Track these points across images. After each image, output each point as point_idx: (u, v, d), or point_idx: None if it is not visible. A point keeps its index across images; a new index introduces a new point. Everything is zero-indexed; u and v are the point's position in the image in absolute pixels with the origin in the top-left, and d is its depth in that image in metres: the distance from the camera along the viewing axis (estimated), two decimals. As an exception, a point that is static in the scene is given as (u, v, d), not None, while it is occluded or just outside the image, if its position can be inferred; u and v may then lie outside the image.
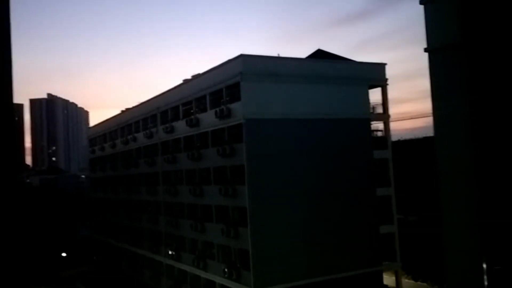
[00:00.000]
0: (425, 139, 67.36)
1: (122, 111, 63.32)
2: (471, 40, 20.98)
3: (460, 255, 21.48)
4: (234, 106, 35.48)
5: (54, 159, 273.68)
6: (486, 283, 20.56)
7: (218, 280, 37.94)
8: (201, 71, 42.38)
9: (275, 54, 37.87)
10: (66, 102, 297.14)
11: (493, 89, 20.69)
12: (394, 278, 42.21)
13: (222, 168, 37.52)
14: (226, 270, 36.02)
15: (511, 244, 19.75)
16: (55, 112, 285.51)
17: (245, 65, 34.64)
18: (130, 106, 60.81)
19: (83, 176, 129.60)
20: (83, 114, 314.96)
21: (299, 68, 37.05)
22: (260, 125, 34.62)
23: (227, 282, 36.54)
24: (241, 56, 34.92)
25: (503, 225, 20.18)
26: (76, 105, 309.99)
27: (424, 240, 50.64)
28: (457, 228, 21.72)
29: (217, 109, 36.95)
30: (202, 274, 40.52)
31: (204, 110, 40.33)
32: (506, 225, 20.09)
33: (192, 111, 42.58)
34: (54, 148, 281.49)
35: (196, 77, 43.43)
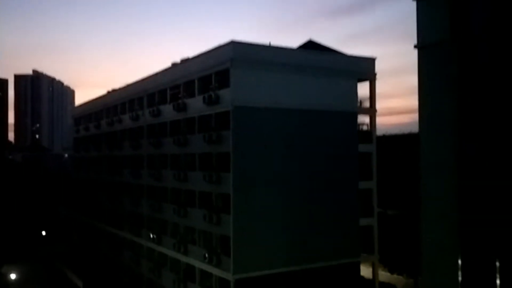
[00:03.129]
0: (410, 135, 68.09)
1: (109, 92, 62.76)
2: (461, 38, 21.22)
3: (437, 250, 21.92)
4: (223, 92, 35.42)
5: (37, 136, 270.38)
6: (460, 278, 21.04)
7: (198, 264, 38.19)
8: (190, 55, 42.16)
9: (266, 43, 37.84)
10: (51, 80, 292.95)
11: (480, 87, 20.99)
12: (371, 269, 42.92)
13: (208, 155, 37.56)
14: (206, 255, 36.24)
15: (488, 241, 20.22)
16: (40, 89, 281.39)
17: (236, 52, 34.54)
18: (117, 87, 60.27)
19: (66, 155, 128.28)
20: (69, 93, 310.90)
21: (290, 58, 37.07)
22: (248, 113, 34.65)
23: (207, 267, 36.80)
24: (232, 42, 34.79)
25: (482, 222, 20.62)
26: (62, 83, 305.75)
27: (402, 234, 51.43)
28: (436, 223, 22.13)
29: (205, 95, 36.86)
30: (183, 258, 40.72)
31: (192, 95, 40.18)
32: (484, 223, 20.53)
33: (179, 95, 42.39)
34: (37, 125, 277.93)
35: (185, 61, 43.19)
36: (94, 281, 54.74)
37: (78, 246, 69.68)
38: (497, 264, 19.98)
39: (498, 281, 19.93)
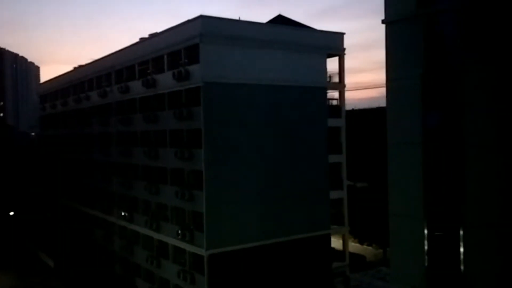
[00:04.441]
0: (378, 110, 69.13)
1: (75, 68, 61.28)
2: (427, 13, 21.51)
3: (404, 221, 22.65)
4: (193, 68, 35.08)
5: (1, 114, 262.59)
6: (426, 247, 21.83)
7: (171, 241, 38.35)
8: (159, 30, 41.45)
9: (235, 17, 37.50)
10: (15, 56, 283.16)
11: (444, 60, 21.44)
12: (341, 241, 44.02)
13: (179, 131, 37.36)
14: (179, 231, 36.42)
15: (453, 210, 20.97)
16: (3, 66, 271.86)
17: (205, 27, 34.12)
18: (83, 63, 58.89)
19: (33, 133, 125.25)
20: (34, 69, 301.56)
21: (260, 33, 36.84)
22: (219, 89, 34.47)
23: (180, 243, 37.03)
24: (201, 17, 34.31)
25: (446, 193, 21.35)
26: (26, 59, 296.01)
27: (371, 206, 52.75)
28: (402, 195, 22.79)
29: (175, 70, 36.41)
30: (155, 235, 40.80)
31: (161, 71, 39.64)
32: (448, 193, 21.26)
33: (148, 71, 41.78)
34: (1, 103, 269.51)
35: (153, 36, 42.41)
36: (66, 260, 54.40)
37: (49, 225, 68.81)
38: (461, 232, 20.77)
39: (461, 249, 20.74)
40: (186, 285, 36.36)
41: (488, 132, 19.28)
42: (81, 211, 56.98)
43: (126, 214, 45.60)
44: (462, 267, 20.49)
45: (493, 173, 19.19)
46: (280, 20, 43.08)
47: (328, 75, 41.04)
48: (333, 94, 42.90)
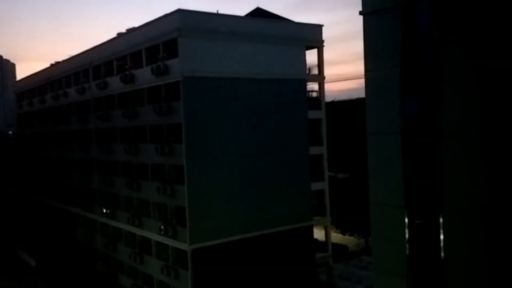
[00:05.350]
0: (357, 101, 69.64)
1: (52, 65, 60.35)
2: (404, 4, 21.65)
3: (384, 210, 22.87)
4: (172, 62, 34.82)
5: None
6: (407, 236, 22.10)
7: (154, 237, 38.19)
8: (136, 24, 41.02)
9: (213, 11, 37.30)
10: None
11: (422, 53, 21.64)
12: (324, 232, 44.37)
13: (159, 126, 37.11)
14: (162, 227, 36.27)
15: (432, 200, 21.27)
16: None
17: (183, 21, 33.87)
18: (60, 59, 58.04)
19: (10, 132, 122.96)
20: (9, 67, 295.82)
21: (238, 26, 36.75)
22: (198, 83, 34.31)
23: (163, 238, 36.89)
24: (179, 10, 34.05)
25: (425, 181, 21.63)
26: (1, 56, 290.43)
27: (352, 196, 53.20)
28: (382, 185, 23.00)
29: (154, 65, 36.10)
30: (138, 232, 40.57)
31: (139, 66, 39.26)
32: (428, 182, 21.55)
33: (127, 66, 41.35)
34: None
35: (131, 31, 41.95)
36: (48, 259, 53.74)
37: (29, 224, 67.87)
38: (441, 220, 21.05)
39: (442, 236, 21.03)
40: (170, 280, 36.30)
41: (466, 121, 19.56)
42: (62, 209, 56.33)
43: (108, 211, 45.22)
44: (442, 254, 20.82)
45: (471, 162, 19.50)
46: (258, 13, 43.04)
47: (307, 67, 41.18)
48: (313, 86, 43.13)
